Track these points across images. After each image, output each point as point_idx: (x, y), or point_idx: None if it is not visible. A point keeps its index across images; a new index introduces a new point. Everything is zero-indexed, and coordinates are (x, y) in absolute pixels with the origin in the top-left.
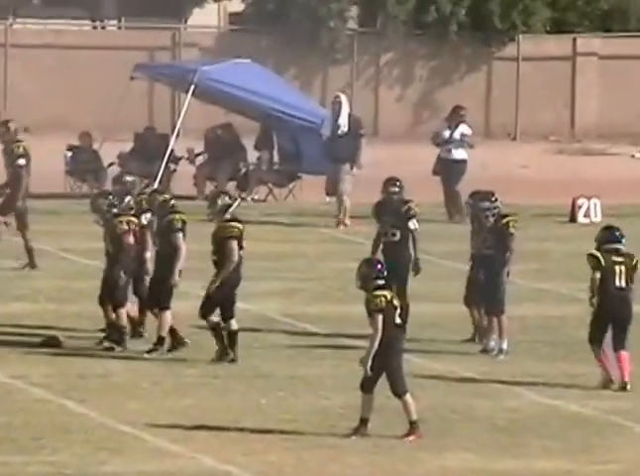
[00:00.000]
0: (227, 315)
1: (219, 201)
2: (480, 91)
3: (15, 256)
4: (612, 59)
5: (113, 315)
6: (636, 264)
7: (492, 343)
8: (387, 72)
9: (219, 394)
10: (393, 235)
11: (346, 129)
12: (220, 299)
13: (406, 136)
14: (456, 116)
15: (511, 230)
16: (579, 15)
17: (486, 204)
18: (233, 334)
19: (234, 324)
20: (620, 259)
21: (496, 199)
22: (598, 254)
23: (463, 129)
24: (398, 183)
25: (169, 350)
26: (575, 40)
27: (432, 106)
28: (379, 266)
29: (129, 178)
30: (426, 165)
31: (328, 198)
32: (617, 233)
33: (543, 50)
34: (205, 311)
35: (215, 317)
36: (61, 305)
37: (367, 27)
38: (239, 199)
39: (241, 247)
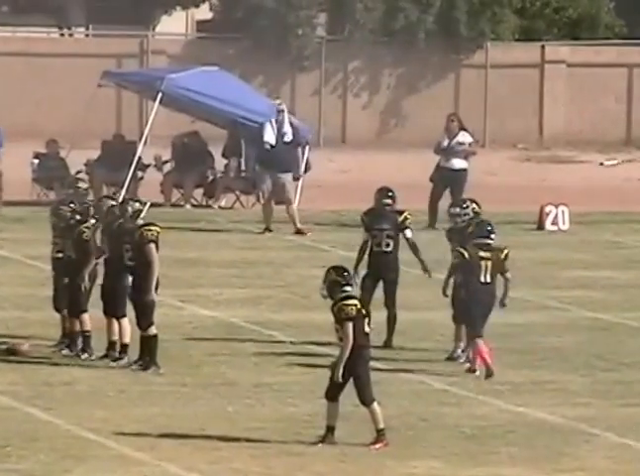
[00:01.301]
0: (150, 322)
1: (129, 208)
2: (447, 99)
3: None
4: (581, 67)
5: (76, 323)
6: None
7: (459, 351)
8: (355, 80)
9: (185, 402)
10: (387, 245)
11: (290, 137)
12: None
13: (373, 143)
14: (450, 124)
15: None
16: (547, 23)
17: (457, 210)
18: (153, 339)
19: (154, 330)
20: (487, 255)
21: (467, 207)
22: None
23: (460, 137)
24: (391, 194)
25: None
26: (543, 47)
27: (399, 114)
28: (346, 273)
29: (83, 185)
30: (392, 171)
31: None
32: (488, 228)
33: (511, 57)
34: (149, 322)
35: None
36: (27, 313)
37: (335, 34)
38: (148, 204)
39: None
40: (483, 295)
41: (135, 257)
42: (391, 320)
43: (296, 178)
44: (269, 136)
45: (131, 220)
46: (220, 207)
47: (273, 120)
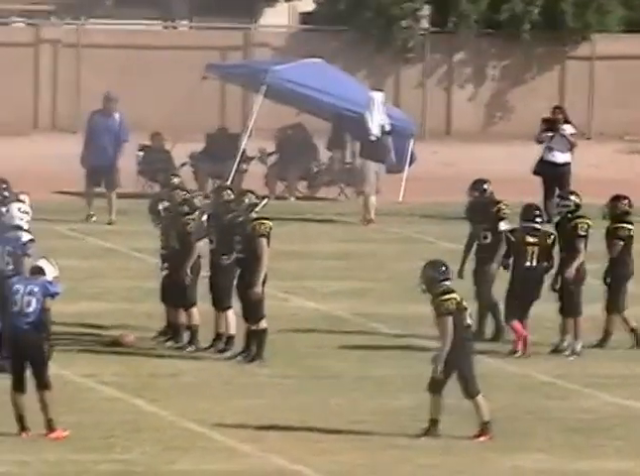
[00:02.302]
0: (261, 316)
1: (246, 200)
2: (552, 91)
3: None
4: None
5: (181, 315)
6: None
7: (565, 343)
8: (459, 72)
9: (290, 394)
10: (485, 238)
11: (389, 128)
12: (261, 299)
13: (478, 135)
14: (555, 117)
15: (580, 232)
16: None
17: (556, 200)
18: (262, 333)
19: (264, 324)
20: (534, 239)
21: (567, 198)
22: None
23: (565, 129)
24: (484, 186)
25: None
26: None
27: (504, 106)
28: (444, 268)
29: (176, 180)
30: (497, 164)
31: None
32: (535, 212)
33: (617, 49)
34: (258, 315)
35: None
36: (132, 305)
37: (439, 26)
38: (266, 199)
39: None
40: (528, 279)
41: (244, 250)
42: (497, 311)
43: (398, 171)
44: (374, 127)
45: (245, 213)
46: (324, 199)
47: (375, 111)
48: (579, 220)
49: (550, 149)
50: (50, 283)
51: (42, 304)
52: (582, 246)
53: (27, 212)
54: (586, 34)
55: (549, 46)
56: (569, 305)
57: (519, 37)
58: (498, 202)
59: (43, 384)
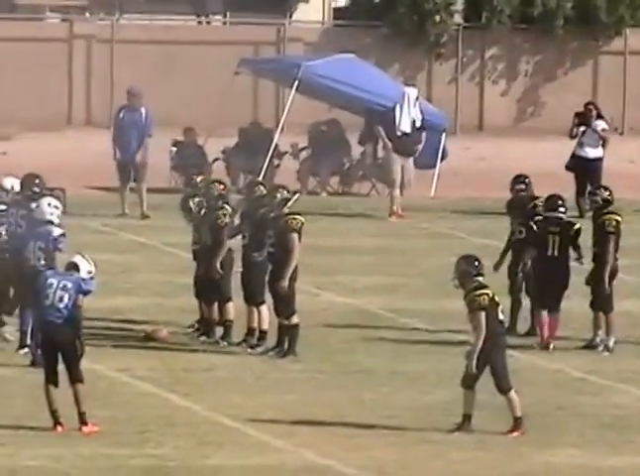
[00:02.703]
0: (292, 311)
1: (278, 195)
2: (586, 86)
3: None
4: None
5: (214, 311)
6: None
7: (598, 339)
8: (492, 67)
9: (322, 389)
10: (520, 233)
11: (419, 123)
12: (292, 295)
13: (510, 130)
14: (587, 113)
15: (609, 228)
16: None
17: (587, 196)
18: (294, 328)
19: (295, 319)
20: (556, 229)
21: (595, 193)
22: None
23: (597, 125)
24: (525, 181)
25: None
26: None
27: (537, 101)
28: (477, 263)
29: (197, 179)
30: (529, 159)
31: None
32: (559, 202)
33: None
34: (289, 311)
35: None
36: (165, 299)
37: (472, 21)
38: (298, 194)
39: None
40: (550, 269)
41: (276, 245)
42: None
43: (430, 166)
44: (404, 123)
45: (277, 208)
46: (356, 195)
47: (407, 106)
48: (607, 216)
49: (581, 144)
50: (83, 280)
51: (74, 301)
52: (610, 242)
53: (57, 207)
54: (619, 28)
55: (582, 40)
56: (599, 300)
57: (552, 32)
58: (536, 198)
59: (75, 378)
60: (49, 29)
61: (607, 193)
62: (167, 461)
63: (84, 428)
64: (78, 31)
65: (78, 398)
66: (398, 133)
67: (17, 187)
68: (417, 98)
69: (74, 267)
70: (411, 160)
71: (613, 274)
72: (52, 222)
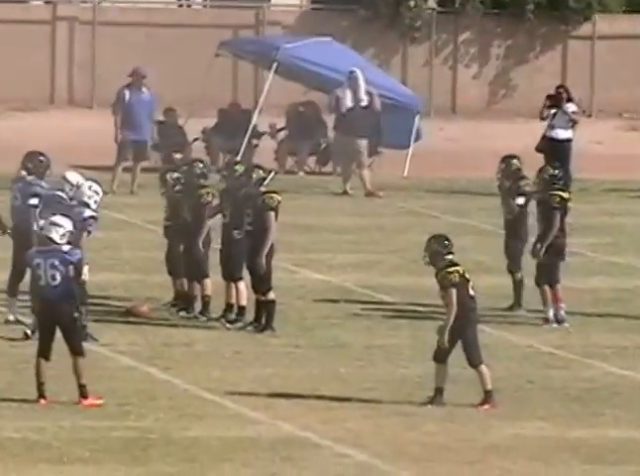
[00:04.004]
0: (268, 287)
1: (254, 175)
2: (555, 69)
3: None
4: None
5: (195, 287)
6: None
7: (562, 312)
8: (465, 51)
9: (299, 363)
10: (509, 213)
11: (365, 104)
12: (268, 271)
13: (483, 112)
14: (558, 96)
15: (554, 204)
16: None
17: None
18: (271, 304)
19: (272, 295)
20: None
21: (544, 171)
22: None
23: (568, 107)
24: (513, 161)
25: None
26: None
27: (508, 84)
28: (447, 242)
29: (177, 156)
30: (501, 140)
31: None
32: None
33: (618, 29)
34: (266, 287)
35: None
36: (146, 275)
37: (446, 6)
38: (273, 173)
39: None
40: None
41: (254, 222)
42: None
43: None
44: (347, 100)
45: (254, 187)
46: (333, 174)
47: (349, 87)
48: (553, 192)
49: (552, 126)
50: (66, 253)
51: (66, 274)
52: (556, 217)
53: (97, 193)
54: (588, 14)
55: (552, 25)
56: (542, 274)
57: (523, 17)
58: (521, 178)
59: (75, 350)
60: (33, 11)
61: (555, 170)
62: (148, 433)
63: (84, 401)
64: (61, 13)
65: (78, 370)
66: (342, 110)
67: (81, 182)
68: (365, 79)
69: (63, 178)
70: (361, 141)
71: (560, 249)
72: (87, 205)
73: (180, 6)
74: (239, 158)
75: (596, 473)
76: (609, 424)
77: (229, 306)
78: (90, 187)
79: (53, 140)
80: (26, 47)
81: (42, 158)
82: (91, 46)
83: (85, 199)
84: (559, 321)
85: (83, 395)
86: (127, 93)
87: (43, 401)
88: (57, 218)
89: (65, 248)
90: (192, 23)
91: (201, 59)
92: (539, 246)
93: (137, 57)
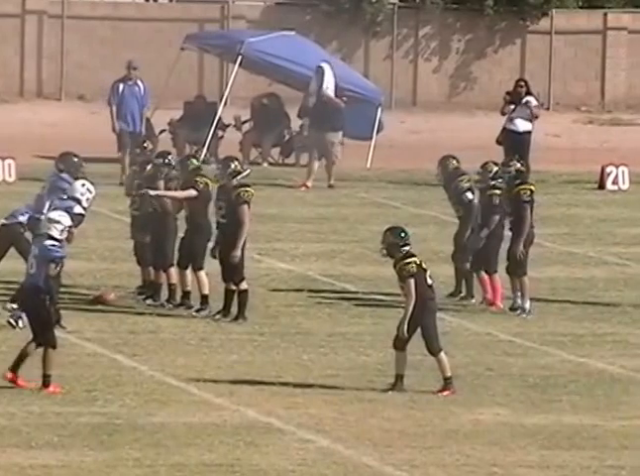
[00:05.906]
0: (241, 277)
1: (231, 166)
2: (514, 64)
3: None
4: None
5: (161, 275)
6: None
7: (519, 301)
8: (426, 45)
9: (263, 350)
10: (457, 211)
11: (324, 99)
12: (241, 262)
13: (443, 105)
14: (518, 90)
15: (524, 198)
16: None
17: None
18: (244, 293)
19: (244, 284)
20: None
21: (509, 165)
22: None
23: (529, 102)
24: (451, 161)
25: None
26: (605, 15)
27: (468, 77)
28: (404, 234)
29: (149, 146)
30: (461, 133)
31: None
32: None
33: (575, 24)
34: (240, 277)
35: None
36: (113, 264)
37: (406, 1)
38: (249, 170)
39: None
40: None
41: (227, 215)
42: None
43: (366, 138)
44: (315, 96)
45: (227, 179)
46: (296, 165)
47: (319, 80)
48: (522, 186)
49: (511, 119)
50: (49, 248)
51: (43, 268)
52: (527, 210)
53: (90, 191)
54: (546, 10)
55: (511, 20)
56: (513, 265)
57: (482, 12)
58: (462, 175)
59: (43, 342)
60: (2, 5)
61: (520, 165)
62: (114, 419)
63: (45, 390)
64: (30, 7)
65: (45, 360)
66: (310, 106)
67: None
68: (333, 74)
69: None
70: (327, 134)
71: (530, 240)
72: (79, 201)
73: (147, 0)
74: (205, 149)
75: (554, 458)
76: (566, 411)
77: (185, 294)
78: (83, 185)
79: (22, 132)
80: None
81: (75, 158)
82: (60, 39)
83: (78, 196)
84: (491, 305)
85: (45, 384)
86: (120, 86)
87: (9, 375)
88: (56, 215)
89: (48, 242)
90: (159, 17)
91: (167, 52)
92: (482, 234)
93: (104, 50)
